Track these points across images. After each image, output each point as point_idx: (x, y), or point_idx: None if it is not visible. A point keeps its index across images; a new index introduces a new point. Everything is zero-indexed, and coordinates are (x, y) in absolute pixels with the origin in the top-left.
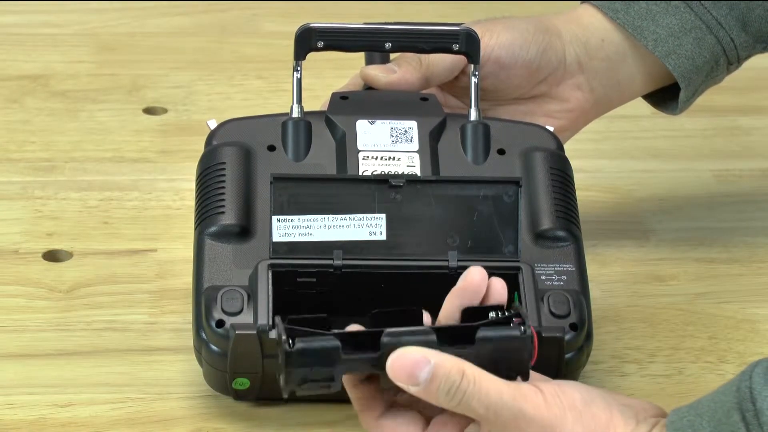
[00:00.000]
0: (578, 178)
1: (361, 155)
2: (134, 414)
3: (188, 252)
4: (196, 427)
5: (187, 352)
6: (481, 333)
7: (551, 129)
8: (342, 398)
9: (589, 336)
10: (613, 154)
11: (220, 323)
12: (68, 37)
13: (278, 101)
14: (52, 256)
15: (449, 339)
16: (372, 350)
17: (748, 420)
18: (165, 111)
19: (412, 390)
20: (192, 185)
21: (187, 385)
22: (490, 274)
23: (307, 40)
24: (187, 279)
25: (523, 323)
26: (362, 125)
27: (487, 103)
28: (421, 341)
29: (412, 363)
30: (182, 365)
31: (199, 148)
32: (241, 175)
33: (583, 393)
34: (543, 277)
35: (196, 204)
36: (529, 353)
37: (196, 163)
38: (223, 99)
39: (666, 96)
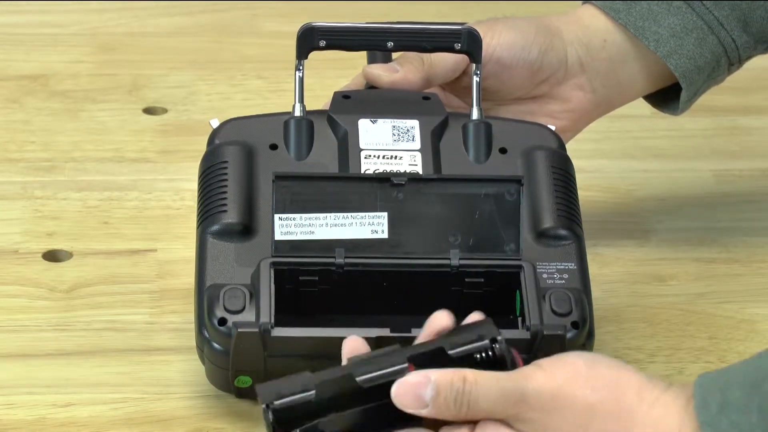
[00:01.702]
0: (579, 178)
1: (363, 154)
2: (134, 414)
3: (188, 252)
4: (196, 427)
5: (187, 351)
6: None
7: (553, 128)
8: None
9: (590, 334)
10: (614, 154)
11: (223, 321)
12: (68, 37)
13: (278, 101)
14: (52, 256)
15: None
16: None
17: None
18: (165, 111)
19: (423, 412)
20: (192, 185)
21: (188, 385)
22: (491, 273)
23: (309, 39)
24: (187, 279)
25: (495, 341)
26: (364, 124)
27: (488, 103)
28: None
29: (414, 386)
30: (182, 365)
31: (200, 147)
32: (243, 174)
33: (585, 358)
34: (545, 276)
35: (198, 202)
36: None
37: (197, 163)
38: (223, 99)
39: (667, 96)
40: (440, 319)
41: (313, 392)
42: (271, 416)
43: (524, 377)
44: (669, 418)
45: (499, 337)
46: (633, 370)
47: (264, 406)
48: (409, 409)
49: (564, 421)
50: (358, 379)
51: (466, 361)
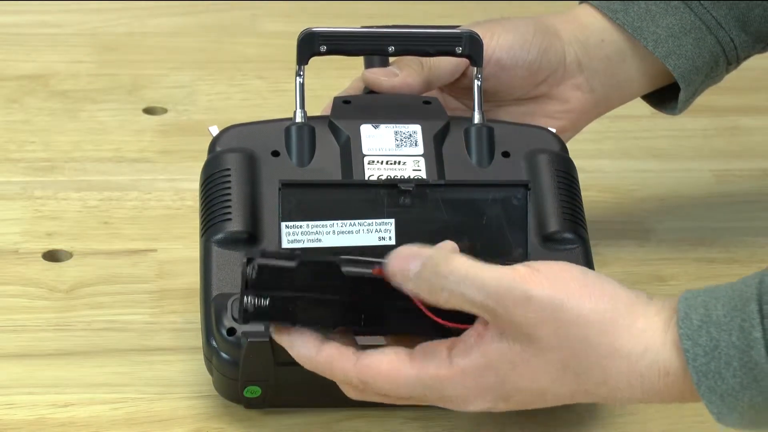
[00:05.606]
0: (579, 179)
1: (366, 160)
2: (134, 414)
3: (188, 252)
4: (196, 427)
5: (187, 352)
6: None
7: (554, 131)
8: (341, 401)
9: None
10: (614, 154)
11: (232, 331)
12: (68, 37)
13: (278, 101)
14: (52, 256)
15: None
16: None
17: (765, 312)
18: (165, 111)
19: (410, 286)
20: (192, 185)
21: (187, 385)
22: None
23: (310, 45)
24: (187, 279)
25: None
26: (366, 129)
27: (487, 104)
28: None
29: (406, 258)
30: (182, 365)
31: (200, 147)
32: (246, 182)
33: (577, 267)
34: None
35: (201, 211)
36: None
37: (197, 163)
38: (223, 99)
39: (665, 96)
40: (445, 246)
41: (293, 263)
42: (251, 271)
43: (524, 280)
44: (652, 332)
45: None
46: (618, 283)
47: (245, 260)
48: (397, 280)
49: (554, 334)
50: (344, 269)
51: None
